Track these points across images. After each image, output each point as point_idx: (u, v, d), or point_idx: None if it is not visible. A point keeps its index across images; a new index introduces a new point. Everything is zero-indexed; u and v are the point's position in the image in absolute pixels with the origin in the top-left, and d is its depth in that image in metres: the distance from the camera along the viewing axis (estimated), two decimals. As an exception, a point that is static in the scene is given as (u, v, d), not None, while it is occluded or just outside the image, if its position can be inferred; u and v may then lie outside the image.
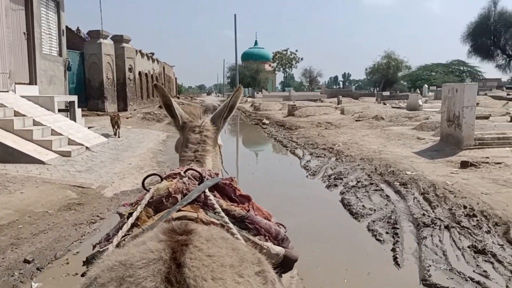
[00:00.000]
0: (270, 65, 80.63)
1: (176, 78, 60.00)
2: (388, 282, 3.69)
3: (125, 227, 1.29)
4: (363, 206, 5.59)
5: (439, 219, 4.90)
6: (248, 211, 1.43)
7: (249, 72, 69.21)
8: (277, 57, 78.74)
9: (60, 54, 13.55)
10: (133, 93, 25.91)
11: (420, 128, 12.79)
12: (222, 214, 1.32)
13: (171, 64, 51.01)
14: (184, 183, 1.42)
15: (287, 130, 16.23)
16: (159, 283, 0.86)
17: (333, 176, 7.59)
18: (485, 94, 28.43)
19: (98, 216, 5.17)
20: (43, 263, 3.85)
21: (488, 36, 36.38)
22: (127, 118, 19.07)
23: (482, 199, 5.57)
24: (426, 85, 44.00)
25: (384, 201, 5.82)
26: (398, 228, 4.64)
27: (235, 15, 51.12)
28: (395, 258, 3.97)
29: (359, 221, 5.10)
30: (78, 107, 21.85)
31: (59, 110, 11.50)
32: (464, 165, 7.77)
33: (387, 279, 3.72)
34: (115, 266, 0.93)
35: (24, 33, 11.16)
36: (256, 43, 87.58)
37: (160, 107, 28.51)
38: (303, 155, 10.14)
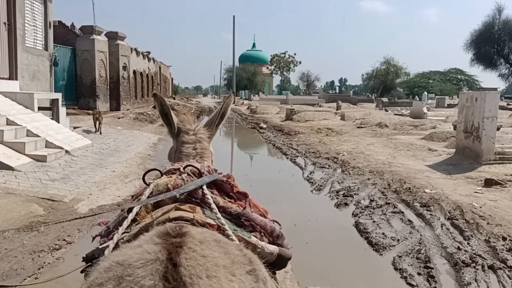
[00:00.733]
0: (267, 68, 79.94)
1: (172, 79, 59.07)
2: None
3: (125, 223, 1.30)
4: (383, 234, 4.72)
5: (479, 255, 4.03)
6: (245, 208, 1.44)
7: (246, 74, 68.47)
8: (275, 60, 78.04)
9: (46, 48, 12.60)
10: (126, 92, 24.96)
11: (430, 138, 11.96)
12: (219, 214, 1.32)
13: (168, 64, 50.10)
14: (183, 179, 1.43)
15: (286, 135, 15.37)
16: (158, 281, 0.89)
17: (341, 192, 6.72)
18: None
19: (64, 239, 4.26)
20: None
21: (491, 44, 35.69)
22: (119, 118, 18.14)
23: (522, 228, 4.72)
24: (426, 93, 43.39)
25: (407, 228, 4.95)
26: (432, 268, 3.77)
27: (234, 16, 50.60)
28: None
29: (381, 254, 4.23)
30: (68, 105, 21.15)
31: (41, 109, 10.57)
32: (489, 183, 6.93)
33: None
34: (112, 266, 0.97)
35: (5, 23, 10.23)
36: (254, 45, 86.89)
37: (154, 107, 27.61)
38: (305, 165, 9.27)
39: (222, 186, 1.50)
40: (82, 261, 1.33)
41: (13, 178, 6.07)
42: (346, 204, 6.07)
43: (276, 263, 1.43)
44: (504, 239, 4.50)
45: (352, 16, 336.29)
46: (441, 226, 4.96)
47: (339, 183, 7.43)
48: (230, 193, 1.50)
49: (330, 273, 3.95)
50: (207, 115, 29.82)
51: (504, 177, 7.28)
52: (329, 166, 9.06)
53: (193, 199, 1.36)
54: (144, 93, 30.52)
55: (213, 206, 1.33)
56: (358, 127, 17.25)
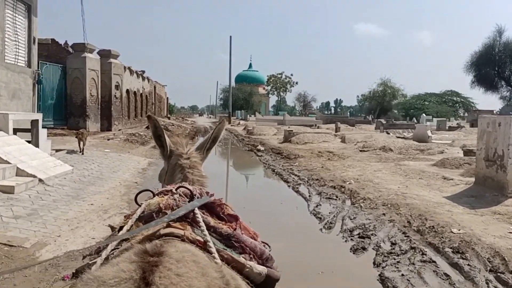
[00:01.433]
0: (264, 88, 79.61)
1: (167, 98, 58.40)
2: None
3: (115, 242, 1.30)
4: (418, 295, 3.77)
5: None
6: (235, 229, 1.46)
7: (243, 95, 68.01)
8: (271, 80, 77.78)
9: (29, 65, 11.76)
10: (118, 112, 24.08)
11: (441, 164, 11.09)
12: (206, 232, 1.31)
13: (163, 83, 49.46)
14: (174, 199, 1.44)
15: (285, 159, 14.47)
16: None
17: (356, 232, 5.78)
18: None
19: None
20: None
21: (492, 66, 35.21)
22: (108, 139, 17.21)
23: None
24: (424, 115, 42.86)
25: (445, 285, 4.00)
26: None
27: (230, 37, 50.25)
28: None
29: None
30: (56, 125, 20.22)
31: (20, 130, 9.67)
32: (524, 221, 6.03)
33: None
34: (89, 280, 0.99)
35: (-18, 37, 9.42)
36: (250, 65, 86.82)
37: (147, 127, 26.71)
38: (309, 196, 8.34)
39: (213, 209, 1.52)
40: (72, 277, 1.44)
41: (-33, 216, 5.10)
42: (363, 248, 5.12)
43: (265, 284, 1.43)
44: None
45: (346, 38, 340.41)
46: (487, 284, 4.02)
47: (351, 219, 6.49)
48: (221, 215, 1.51)
49: None
50: (202, 136, 28.99)
51: (538, 213, 6.40)
52: (337, 197, 8.13)
53: (184, 218, 1.36)
54: (137, 113, 29.66)
55: (202, 224, 1.34)
56: (360, 151, 16.40)
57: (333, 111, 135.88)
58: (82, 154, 11.40)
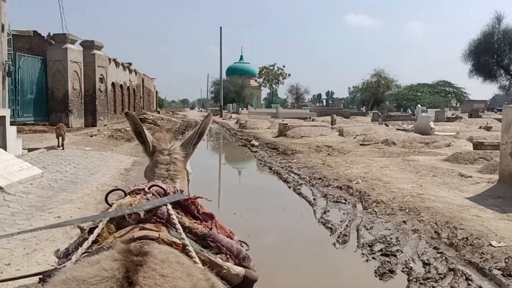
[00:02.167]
0: (256, 81, 78.39)
1: (157, 91, 57.04)
2: None
3: (85, 244, 1.24)
4: None
5: None
6: (211, 229, 1.41)
7: (234, 87, 66.86)
8: (263, 72, 76.53)
9: (-3, 55, 10.59)
10: (104, 107, 22.84)
11: (454, 159, 10.16)
12: (183, 235, 1.28)
13: (152, 76, 48.13)
14: (147, 199, 1.38)
15: (282, 155, 13.47)
16: None
17: (377, 247, 4.80)
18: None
19: None
20: None
21: (491, 55, 34.28)
22: (91, 136, 16.07)
23: None
24: (419, 105, 42.08)
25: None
26: None
27: (220, 28, 49.00)
28: None
29: None
30: (37, 121, 18.99)
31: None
32: None
33: None
34: (68, 280, 0.94)
35: None
36: (241, 58, 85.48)
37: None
38: (314, 199, 7.34)
39: (187, 207, 1.46)
40: (39, 282, 1.33)
41: None
42: (391, 272, 4.13)
43: (242, 286, 1.39)
44: None
45: (337, 30, 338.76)
46: None
47: (367, 229, 5.51)
48: (196, 214, 1.46)
49: None
50: (190, 130, 27.80)
51: None
52: (345, 200, 7.15)
53: (158, 219, 1.31)
54: (124, 107, 28.39)
55: (178, 226, 1.30)
56: (361, 145, 15.45)
57: (325, 103, 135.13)
58: (63, 149, 10.93)
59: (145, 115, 30.37)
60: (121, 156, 11.44)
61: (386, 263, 4.31)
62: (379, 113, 29.47)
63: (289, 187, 8.61)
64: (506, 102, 30.08)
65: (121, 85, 27.14)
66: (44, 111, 19.65)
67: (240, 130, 26.15)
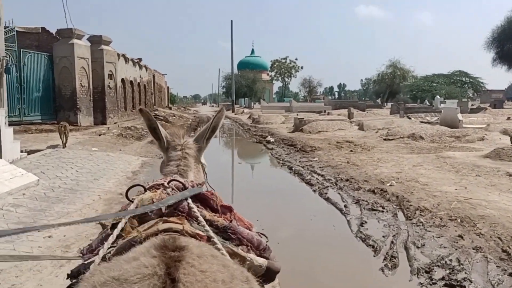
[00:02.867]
0: (267, 74, 77.18)
1: (168, 87, 56.36)
2: None
3: (111, 239, 1.23)
4: None
5: None
6: (231, 221, 1.41)
7: (246, 82, 65.81)
8: (275, 65, 75.24)
9: (-7, 51, 9.80)
10: (113, 104, 22.09)
11: (496, 156, 9.11)
12: (207, 227, 1.29)
13: (163, 72, 47.42)
14: (168, 194, 1.39)
15: (301, 152, 12.54)
16: None
17: (437, 273, 3.86)
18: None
19: None
20: None
21: (516, 41, 32.69)
22: (100, 135, 15.33)
23: None
24: (438, 96, 40.67)
25: None
26: None
27: (231, 21, 48.01)
28: None
29: None
30: (44, 120, 18.32)
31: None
32: None
33: None
34: (108, 281, 0.92)
35: None
36: (252, 51, 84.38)
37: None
38: (345, 206, 6.41)
39: (206, 201, 1.46)
40: (67, 278, 1.31)
41: None
42: (467, 313, 3.20)
43: (265, 276, 1.39)
44: None
45: (348, 22, 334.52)
46: None
47: (417, 246, 4.57)
48: (215, 207, 1.46)
49: None
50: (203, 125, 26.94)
51: None
52: (383, 207, 6.20)
53: (180, 213, 1.31)
54: (135, 104, 27.68)
55: (201, 219, 1.31)
56: (384, 139, 14.44)
57: (337, 96, 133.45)
58: (63, 147, 10.71)
59: (156, 112, 29.65)
60: (129, 157, 10.62)
61: (455, 298, 3.38)
62: (398, 105, 28.18)
63: (314, 190, 7.69)
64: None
65: (131, 81, 26.40)
66: (51, 110, 18.98)
67: (253, 125, 25.26)
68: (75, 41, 18.82)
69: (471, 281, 3.67)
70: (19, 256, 3.26)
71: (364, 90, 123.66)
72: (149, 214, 1.29)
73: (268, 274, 1.40)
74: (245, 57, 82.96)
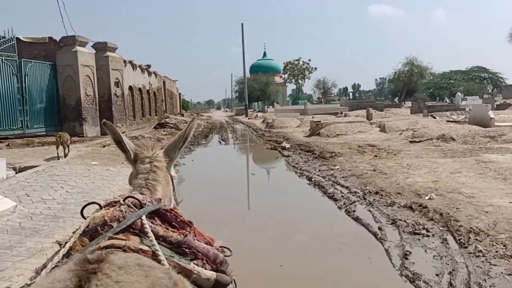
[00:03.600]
0: (281, 77, 76.03)
1: (180, 94, 55.73)
2: None
3: (56, 258, 1.26)
4: None
5: None
6: (186, 236, 1.42)
7: (258, 85, 64.81)
8: (288, 67, 74.04)
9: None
10: (121, 113, 21.31)
11: (548, 159, 7.88)
12: (154, 241, 1.30)
13: (174, 78, 46.75)
14: (121, 211, 1.39)
15: (319, 159, 11.41)
16: None
17: None
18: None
19: None
20: None
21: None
22: (104, 146, 14.42)
23: None
24: (459, 93, 39.08)
25: None
26: None
27: (242, 24, 47.23)
28: None
29: None
30: (49, 131, 17.49)
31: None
32: None
33: None
34: None
35: None
36: (264, 54, 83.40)
37: (155, 127, 23.94)
38: (379, 228, 5.28)
39: (165, 216, 1.48)
40: None
41: None
42: None
43: None
44: None
45: (360, 21, 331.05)
46: None
47: (487, 292, 3.44)
48: (173, 223, 1.48)
49: None
50: (217, 133, 26.05)
51: None
52: (426, 229, 5.06)
53: (132, 230, 1.32)
54: (145, 112, 26.93)
55: (150, 234, 1.31)
56: (410, 142, 13.24)
57: (351, 97, 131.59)
58: (60, 157, 10.51)
59: (166, 119, 28.80)
60: (131, 171, 9.64)
61: None
62: (418, 104, 26.78)
63: (339, 207, 6.56)
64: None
65: (139, 88, 25.64)
66: (56, 121, 18.26)
67: (267, 130, 24.20)
68: (78, 48, 18.10)
69: None
70: None
71: (379, 90, 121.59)
72: (100, 232, 1.30)
73: (217, 287, 1.42)
74: (257, 60, 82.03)
